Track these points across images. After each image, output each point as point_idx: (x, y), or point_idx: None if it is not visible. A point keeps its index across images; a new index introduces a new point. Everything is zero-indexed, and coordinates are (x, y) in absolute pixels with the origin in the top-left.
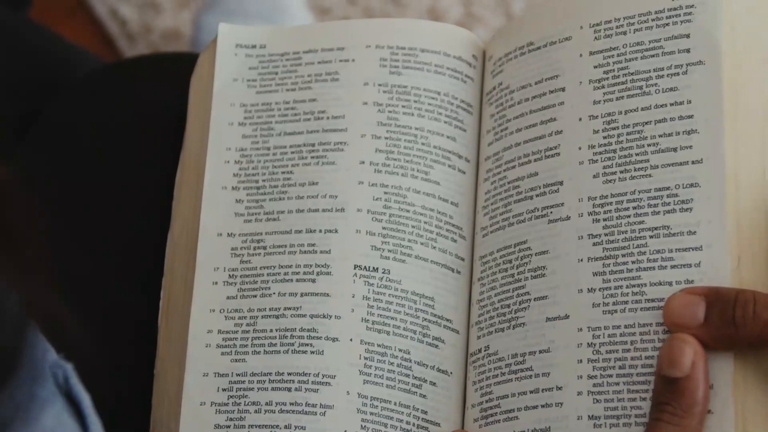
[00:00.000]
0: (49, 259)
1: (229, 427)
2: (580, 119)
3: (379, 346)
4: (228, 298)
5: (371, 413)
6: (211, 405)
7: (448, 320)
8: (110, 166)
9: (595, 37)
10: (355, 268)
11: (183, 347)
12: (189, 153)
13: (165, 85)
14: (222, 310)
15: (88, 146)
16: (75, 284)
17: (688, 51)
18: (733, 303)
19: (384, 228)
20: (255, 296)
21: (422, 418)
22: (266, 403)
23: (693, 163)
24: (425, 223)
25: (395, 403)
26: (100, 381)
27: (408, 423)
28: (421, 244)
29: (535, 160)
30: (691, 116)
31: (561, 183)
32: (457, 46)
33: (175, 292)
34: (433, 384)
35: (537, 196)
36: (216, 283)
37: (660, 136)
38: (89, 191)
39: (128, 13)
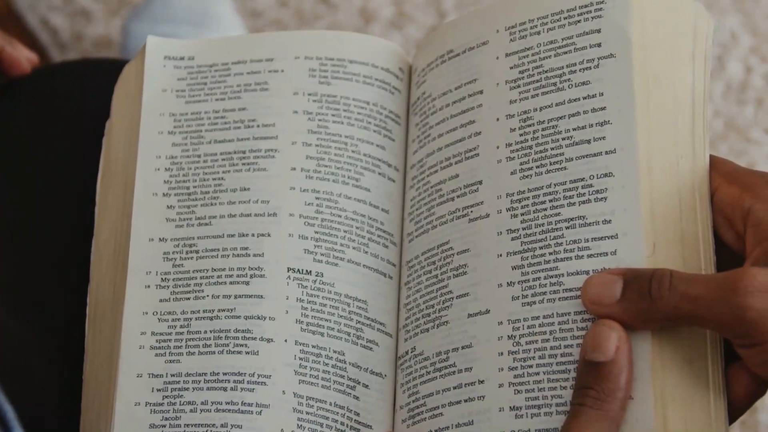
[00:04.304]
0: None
1: (164, 426)
2: (498, 119)
3: (313, 347)
4: (161, 300)
5: (307, 413)
6: (146, 405)
7: (381, 323)
8: (33, 172)
9: (511, 39)
10: (288, 271)
11: (113, 350)
12: (113, 160)
13: (89, 91)
14: (155, 313)
15: (12, 151)
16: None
17: (599, 45)
18: (650, 278)
19: (316, 232)
20: (188, 299)
21: (355, 420)
22: (202, 403)
23: (606, 153)
24: (357, 228)
25: (330, 404)
26: (27, 390)
27: (342, 424)
28: (354, 248)
29: (456, 163)
30: (603, 108)
31: (480, 182)
32: (385, 58)
33: (103, 296)
34: (366, 386)
35: (458, 197)
36: (148, 286)
37: (574, 129)
38: (14, 197)
39: (59, 21)
